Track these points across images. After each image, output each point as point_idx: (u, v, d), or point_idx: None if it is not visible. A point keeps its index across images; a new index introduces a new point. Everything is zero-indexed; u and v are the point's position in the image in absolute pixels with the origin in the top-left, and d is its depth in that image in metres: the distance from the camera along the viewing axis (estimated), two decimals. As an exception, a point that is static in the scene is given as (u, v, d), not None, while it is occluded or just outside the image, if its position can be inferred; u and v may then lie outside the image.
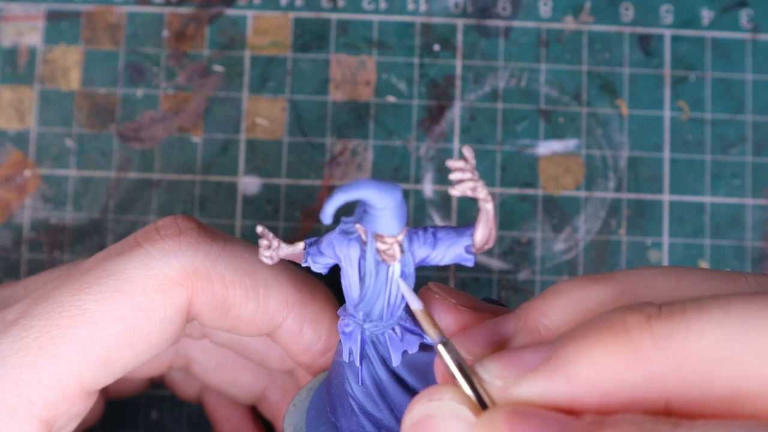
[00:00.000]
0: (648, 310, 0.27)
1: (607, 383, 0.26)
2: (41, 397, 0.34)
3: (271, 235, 0.34)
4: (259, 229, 0.33)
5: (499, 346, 0.30)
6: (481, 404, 0.28)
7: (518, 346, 0.29)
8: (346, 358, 0.34)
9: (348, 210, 0.32)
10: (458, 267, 0.48)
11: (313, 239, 0.34)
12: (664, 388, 0.26)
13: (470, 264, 0.33)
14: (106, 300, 0.35)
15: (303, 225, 0.48)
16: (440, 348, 0.29)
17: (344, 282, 0.33)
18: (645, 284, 0.30)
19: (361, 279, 0.32)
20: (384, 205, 0.30)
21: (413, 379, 0.34)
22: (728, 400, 0.25)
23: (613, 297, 0.30)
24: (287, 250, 0.34)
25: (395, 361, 0.34)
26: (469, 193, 0.30)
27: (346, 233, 0.33)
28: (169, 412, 0.49)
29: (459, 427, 0.27)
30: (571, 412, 0.26)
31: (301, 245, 0.34)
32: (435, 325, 0.30)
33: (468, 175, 0.30)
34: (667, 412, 0.26)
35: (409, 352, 0.34)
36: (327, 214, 0.29)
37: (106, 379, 0.35)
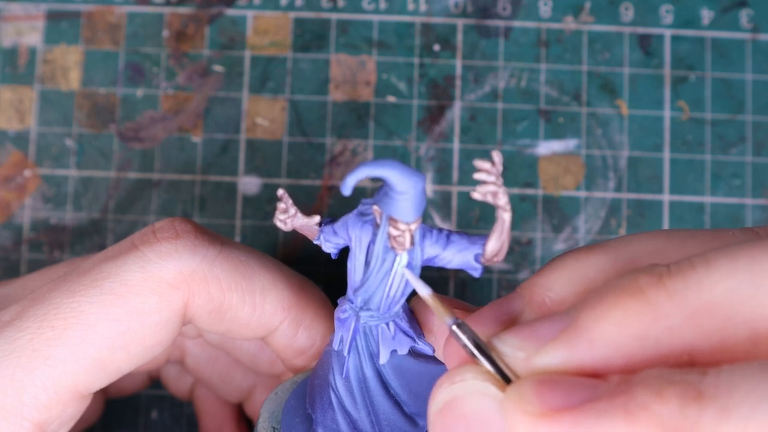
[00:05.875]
0: (658, 270, 0.27)
1: (630, 343, 0.26)
2: (34, 399, 0.34)
3: (290, 201, 0.34)
4: (280, 191, 0.33)
5: (508, 324, 0.30)
6: (504, 379, 0.27)
7: (531, 319, 0.29)
8: (335, 345, 0.34)
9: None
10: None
11: (329, 218, 0.34)
12: (685, 340, 0.26)
13: (476, 274, 0.32)
14: (101, 302, 0.35)
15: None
16: (455, 329, 0.28)
17: (350, 264, 0.33)
18: (638, 247, 0.30)
19: (367, 263, 0.32)
20: (404, 189, 0.30)
21: (397, 385, 0.34)
22: (748, 343, 0.26)
23: (610, 263, 0.30)
24: (302, 221, 0.34)
25: (383, 358, 0.34)
26: (490, 199, 0.30)
27: (362, 215, 0.33)
28: (169, 412, 0.49)
29: (487, 403, 0.27)
30: (595, 376, 0.26)
31: (316, 218, 0.34)
32: (446, 307, 0.29)
33: (492, 178, 0.30)
34: (691, 364, 0.26)
35: (398, 353, 0.34)
36: (348, 186, 0.29)
37: (100, 381, 0.35)
